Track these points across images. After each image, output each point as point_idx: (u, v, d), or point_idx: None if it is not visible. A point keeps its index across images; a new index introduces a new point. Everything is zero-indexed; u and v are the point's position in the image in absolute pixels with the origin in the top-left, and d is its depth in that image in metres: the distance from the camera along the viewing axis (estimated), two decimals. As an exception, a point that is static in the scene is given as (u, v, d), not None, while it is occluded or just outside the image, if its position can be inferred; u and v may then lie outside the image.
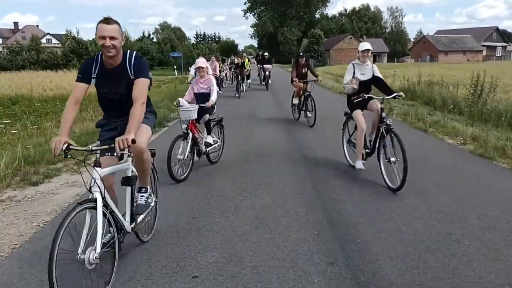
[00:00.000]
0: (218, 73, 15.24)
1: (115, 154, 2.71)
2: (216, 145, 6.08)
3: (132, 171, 3.11)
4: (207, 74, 6.09)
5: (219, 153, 6.27)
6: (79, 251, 2.40)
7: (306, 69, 9.64)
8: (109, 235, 2.79)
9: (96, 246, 2.44)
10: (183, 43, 72.17)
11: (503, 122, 8.35)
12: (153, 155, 3.33)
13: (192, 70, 10.39)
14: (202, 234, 3.59)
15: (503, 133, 7.53)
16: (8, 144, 7.63)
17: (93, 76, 2.93)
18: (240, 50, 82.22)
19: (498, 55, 69.54)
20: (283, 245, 3.37)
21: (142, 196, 3.17)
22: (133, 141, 2.53)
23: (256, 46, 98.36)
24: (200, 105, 5.56)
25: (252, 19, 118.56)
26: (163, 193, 4.47)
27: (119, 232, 2.92)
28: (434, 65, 41.92)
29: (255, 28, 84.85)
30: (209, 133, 5.93)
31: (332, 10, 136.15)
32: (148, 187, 3.24)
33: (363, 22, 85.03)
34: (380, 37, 75.97)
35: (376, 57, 62.98)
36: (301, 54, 10.08)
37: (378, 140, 5.00)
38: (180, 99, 5.53)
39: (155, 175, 3.58)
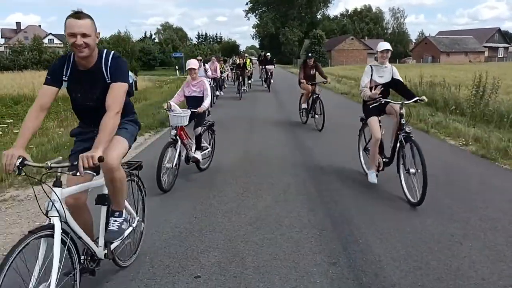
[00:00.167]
0: (218, 74, 15.19)
1: (77, 174, 2.14)
2: (206, 151, 5.71)
3: None
4: (210, 74, 5.99)
5: (209, 160, 5.86)
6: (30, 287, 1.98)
7: (314, 71, 9.26)
8: (70, 266, 2.34)
9: (50, 282, 2.01)
10: (185, 44, 72.49)
11: (505, 123, 8.35)
12: (139, 167, 3.02)
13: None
14: (204, 234, 3.60)
15: (505, 134, 7.53)
16: (11, 144, 7.64)
17: (64, 78, 2.53)
18: (242, 50, 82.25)
19: (500, 56, 69.43)
20: (285, 245, 3.38)
21: (115, 221, 2.71)
22: (101, 159, 2.10)
23: (257, 46, 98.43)
24: (192, 110, 5.21)
25: (253, 20, 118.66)
26: (165, 193, 4.47)
27: (92, 259, 2.60)
28: (436, 66, 41.88)
29: (256, 28, 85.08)
30: (198, 148, 5.46)
31: (333, 10, 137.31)
32: (123, 210, 2.78)
33: (365, 23, 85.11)
34: (381, 38, 75.85)
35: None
36: (309, 54, 9.64)
37: (397, 149, 4.53)
38: (171, 102, 5.18)
39: (142, 191, 3.21)
